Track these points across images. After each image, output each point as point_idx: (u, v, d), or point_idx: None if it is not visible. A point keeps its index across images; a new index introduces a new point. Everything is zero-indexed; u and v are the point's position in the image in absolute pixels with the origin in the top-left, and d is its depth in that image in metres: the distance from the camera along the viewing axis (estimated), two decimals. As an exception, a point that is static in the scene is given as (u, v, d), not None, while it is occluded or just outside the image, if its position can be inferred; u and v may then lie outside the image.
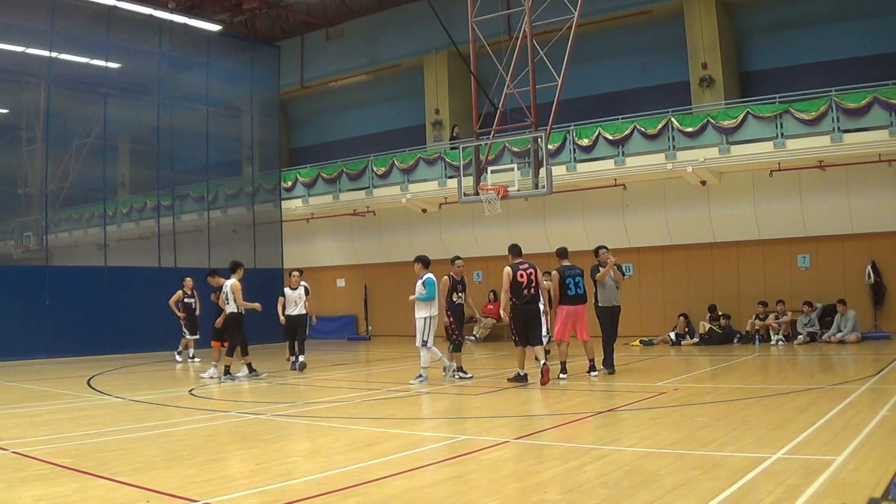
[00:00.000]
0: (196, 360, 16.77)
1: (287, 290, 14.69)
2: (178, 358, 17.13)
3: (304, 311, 14.71)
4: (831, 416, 7.42)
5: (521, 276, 11.24)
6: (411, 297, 11.90)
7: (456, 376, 12.01)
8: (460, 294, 12.37)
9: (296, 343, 14.71)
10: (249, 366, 13.30)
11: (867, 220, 17.72)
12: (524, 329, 11.28)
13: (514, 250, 11.69)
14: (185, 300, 16.85)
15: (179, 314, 16.79)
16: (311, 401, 10.66)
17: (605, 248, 12.61)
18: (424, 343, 11.65)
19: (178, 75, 23.08)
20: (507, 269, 11.33)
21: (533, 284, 11.28)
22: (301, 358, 14.46)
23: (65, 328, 18.59)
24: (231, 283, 13.02)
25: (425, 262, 12.00)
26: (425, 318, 11.68)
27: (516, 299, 11.25)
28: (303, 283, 14.88)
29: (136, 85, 21.99)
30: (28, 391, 12.25)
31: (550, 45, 16.23)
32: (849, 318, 16.78)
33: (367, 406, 9.92)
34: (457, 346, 12.16)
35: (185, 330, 16.90)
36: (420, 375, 11.72)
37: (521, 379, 11.25)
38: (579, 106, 21.33)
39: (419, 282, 11.81)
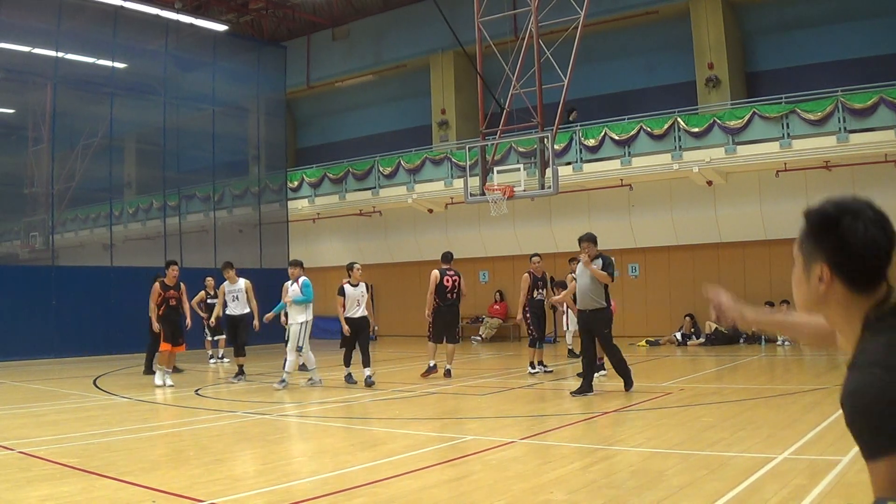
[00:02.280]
0: (226, 360, 16.29)
1: (347, 288, 11.78)
2: (211, 362, 16.43)
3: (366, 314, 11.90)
4: (837, 417, 7.38)
5: (448, 280, 12.23)
6: (287, 299, 11.75)
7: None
8: (541, 290, 12.81)
9: (363, 353, 11.69)
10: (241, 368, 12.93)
11: (874, 221, 17.62)
12: (444, 328, 12.30)
13: (446, 257, 12.62)
14: (209, 301, 16.21)
15: (203, 315, 16.23)
16: (317, 401, 10.67)
17: (587, 240, 10.02)
18: (300, 349, 11.58)
19: (185, 75, 23.09)
20: (435, 273, 12.34)
21: (456, 289, 12.30)
22: (367, 371, 11.55)
23: (71, 328, 18.61)
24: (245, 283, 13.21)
25: (300, 265, 11.97)
26: (301, 324, 11.59)
27: (441, 301, 12.19)
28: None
29: (142, 85, 22.01)
30: (34, 391, 12.28)
31: (556, 45, 16.21)
32: (855, 318, 16.71)
33: (372, 406, 9.93)
34: (532, 342, 12.50)
35: (206, 331, 16.51)
36: (283, 380, 11.64)
37: (432, 370, 12.17)
38: (585, 106, 21.31)
39: (294, 285, 11.69)
